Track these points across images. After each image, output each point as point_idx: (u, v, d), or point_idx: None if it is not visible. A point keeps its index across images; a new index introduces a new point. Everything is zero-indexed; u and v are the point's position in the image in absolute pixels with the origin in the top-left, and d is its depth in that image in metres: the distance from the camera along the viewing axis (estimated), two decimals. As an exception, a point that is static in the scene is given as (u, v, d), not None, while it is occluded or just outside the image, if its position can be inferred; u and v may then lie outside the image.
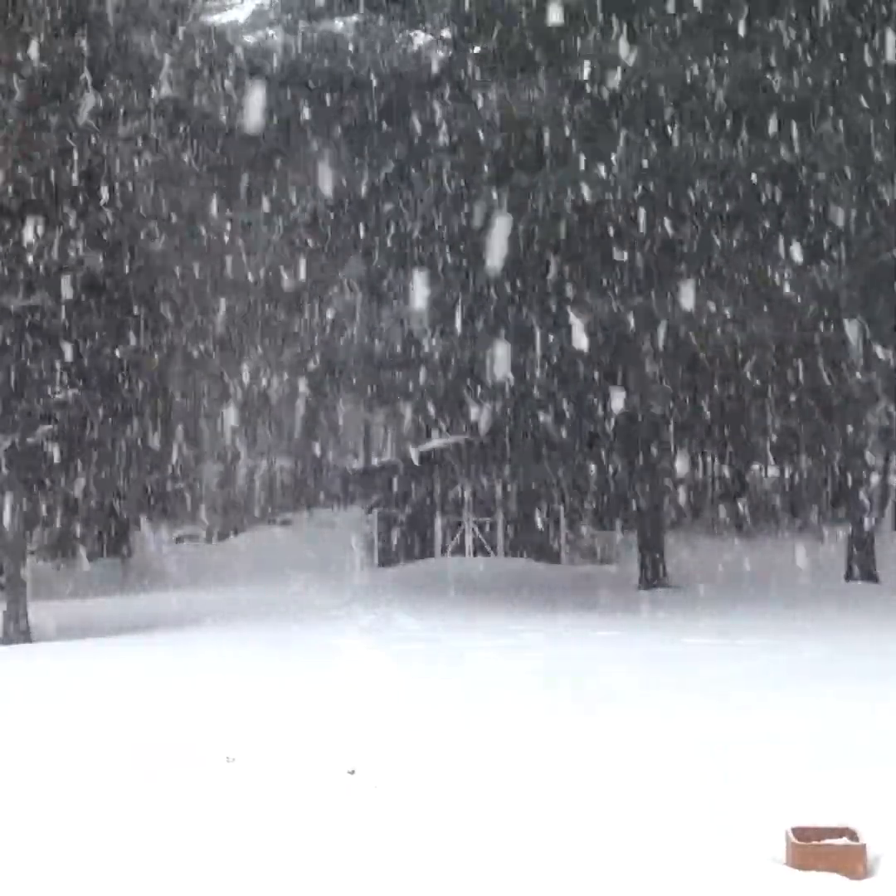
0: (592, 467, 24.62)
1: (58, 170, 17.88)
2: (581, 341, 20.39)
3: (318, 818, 6.76)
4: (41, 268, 17.68)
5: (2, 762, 8.42)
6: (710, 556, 25.01)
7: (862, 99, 19.70)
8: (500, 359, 21.66)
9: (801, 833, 5.78)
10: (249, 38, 30.38)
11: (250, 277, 30.97)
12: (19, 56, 17.86)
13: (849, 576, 23.74)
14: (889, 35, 19.09)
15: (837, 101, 19.53)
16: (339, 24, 28.01)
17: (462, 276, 22.87)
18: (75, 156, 18.05)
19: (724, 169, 20.04)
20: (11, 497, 18.15)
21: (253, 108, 21.67)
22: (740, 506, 32.15)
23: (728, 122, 19.89)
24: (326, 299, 31.16)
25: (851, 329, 22.11)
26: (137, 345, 18.93)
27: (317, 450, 40.17)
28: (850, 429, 24.08)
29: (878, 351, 22.59)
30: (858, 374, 23.35)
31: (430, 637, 16.77)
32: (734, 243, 20.78)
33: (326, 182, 23.35)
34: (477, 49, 23.30)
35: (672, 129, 20.26)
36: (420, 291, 21.84)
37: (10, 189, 17.77)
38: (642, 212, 20.58)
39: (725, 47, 19.69)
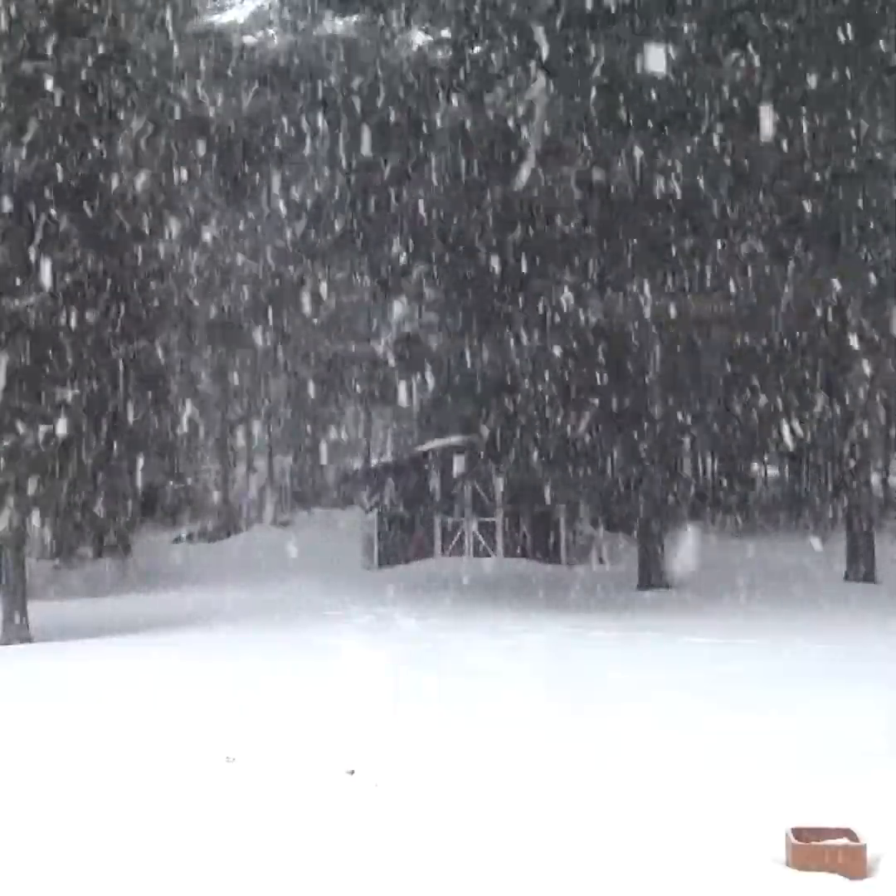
0: (592, 467, 24.59)
1: (58, 169, 17.89)
2: (581, 340, 20.40)
3: (318, 818, 6.76)
4: (41, 268, 17.68)
5: (2, 762, 8.42)
6: (710, 556, 24.99)
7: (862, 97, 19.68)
8: (500, 358, 21.67)
9: (801, 833, 5.78)
10: (249, 38, 30.39)
11: (251, 277, 31.01)
12: (19, 56, 17.86)
13: (849, 576, 23.74)
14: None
15: (847, 103, 19.49)
16: (339, 24, 27.99)
17: (462, 276, 22.86)
18: (76, 155, 18.05)
19: (726, 171, 20.04)
20: (11, 497, 18.15)
21: (252, 107, 21.69)
22: (740, 506, 32.13)
23: (730, 123, 19.88)
24: (327, 299, 31.16)
25: (854, 330, 22.12)
26: (137, 344, 18.93)
27: (317, 450, 40.17)
28: (851, 428, 24.10)
29: (880, 350, 22.59)
30: (860, 374, 23.36)
31: (430, 637, 16.76)
32: (735, 244, 20.78)
33: (326, 181, 23.36)
34: (477, 49, 23.30)
35: (673, 130, 20.26)
36: (421, 291, 21.85)
37: (10, 189, 17.78)
38: (642, 211, 20.60)
39: (730, 46, 19.67)
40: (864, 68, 19.43)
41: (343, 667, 13.51)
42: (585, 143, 20.60)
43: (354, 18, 26.84)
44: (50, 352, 17.90)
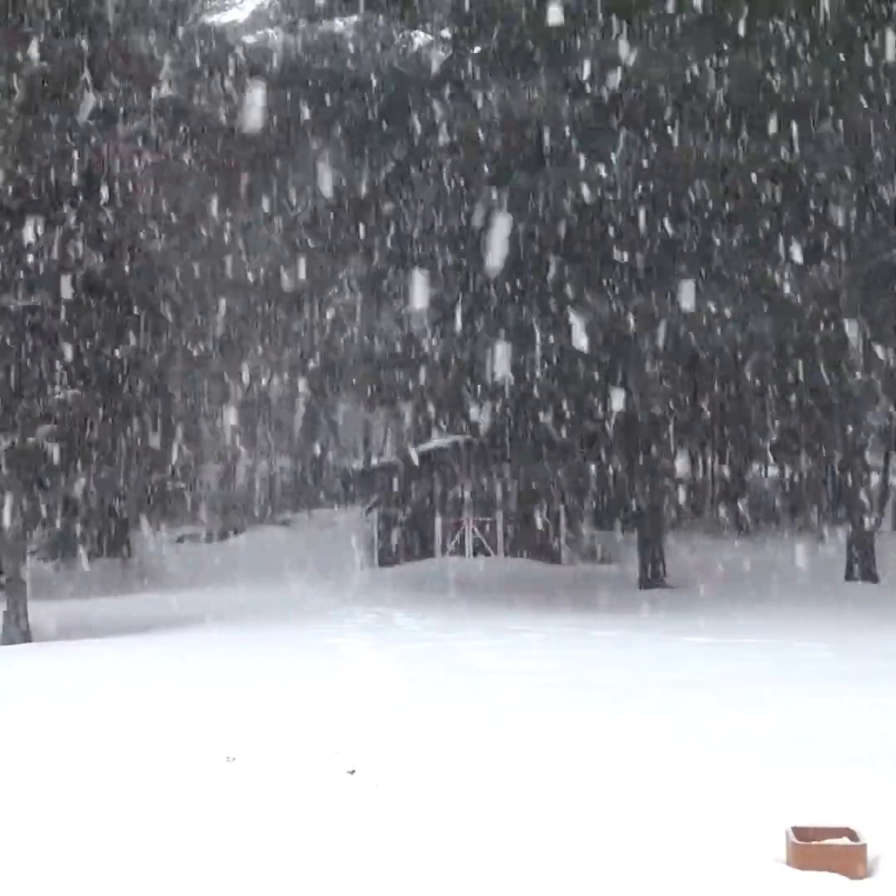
0: (592, 467, 24.63)
1: (58, 169, 17.89)
2: (581, 341, 20.40)
3: (318, 818, 6.76)
4: (41, 268, 17.69)
5: (2, 762, 8.42)
6: (710, 556, 25.01)
7: (862, 99, 19.70)
8: (499, 358, 21.66)
9: (801, 833, 5.77)
10: (249, 38, 30.37)
11: (250, 277, 30.97)
12: (19, 56, 17.86)
13: (849, 576, 23.75)
14: (889, 35, 19.10)
15: (837, 101, 19.52)
16: (339, 24, 27.99)
17: (462, 275, 22.87)
18: (75, 156, 18.06)
19: (724, 168, 20.05)
20: (11, 497, 18.16)
21: (253, 108, 21.67)
22: (740, 506, 32.15)
23: (728, 122, 19.89)
24: (326, 299, 31.17)
25: (851, 329, 22.12)
26: (137, 345, 18.94)
27: (317, 450, 40.18)
28: (849, 428, 24.09)
29: (878, 351, 22.60)
30: (858, 374, 23.36)
31: (430, 637, 16.77)
32: (734, 243, 20.79)
33: (326, 182, 23.36)
34: (477, 49, 23.30)
35: (672, 129, 20.26)
36: (420, 291, 21.84)
37: (10, 189, 17.79)
38: (642, 211, 20.59)
39: (725, 47, 19.69)
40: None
41: (343, 666, 13.52)
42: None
43: (354, 18, 26.84)
44: (49, 352, 17.91)
